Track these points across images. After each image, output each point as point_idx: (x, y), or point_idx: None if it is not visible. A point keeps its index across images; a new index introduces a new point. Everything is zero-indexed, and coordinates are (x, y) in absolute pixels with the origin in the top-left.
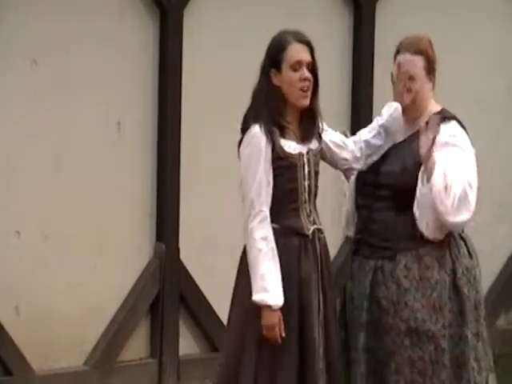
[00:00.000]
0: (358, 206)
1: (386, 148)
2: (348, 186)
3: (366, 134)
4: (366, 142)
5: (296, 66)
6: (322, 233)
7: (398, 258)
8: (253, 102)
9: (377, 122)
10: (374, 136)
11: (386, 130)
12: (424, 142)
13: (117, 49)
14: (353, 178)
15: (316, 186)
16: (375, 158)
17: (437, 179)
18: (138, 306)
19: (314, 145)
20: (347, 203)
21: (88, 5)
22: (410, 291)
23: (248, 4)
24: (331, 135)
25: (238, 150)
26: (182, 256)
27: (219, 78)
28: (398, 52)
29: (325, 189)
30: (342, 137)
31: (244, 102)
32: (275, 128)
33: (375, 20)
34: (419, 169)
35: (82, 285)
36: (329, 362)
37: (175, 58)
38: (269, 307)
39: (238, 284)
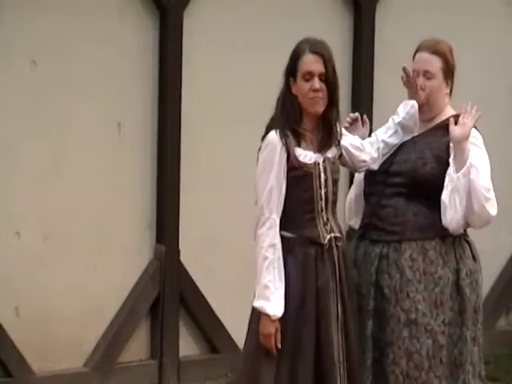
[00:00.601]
0: (367, 194)
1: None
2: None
3: (382, 134)
4: (384, 142)
5: (307, 77)
6: (339, 241)
7: (404, 247)
8: (275, 110)
9: (393, 120)
10: (391, 135)
11: (403, 127)
12: (462, 126)
13: (116, 49)
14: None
15: (334, 194)
16: (389, 154)
17: (482, 178)
18: (138, 308)
19: (331, 153)
20: (351, 192)
21: (87, 5)
22: (413, 282)
23: (248, 4)
24: (350, 139)
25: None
26: (182, 257)
27: (219, 79)
28: (416, 51)
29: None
30: (360, 140)
31: (244, 102)
32: (291, 136)
33: (375, 21)
34: (436, 162)
35: (81, 285)
36: (350, 369)
37: (175, 59)
38: (267, 316)
39: None
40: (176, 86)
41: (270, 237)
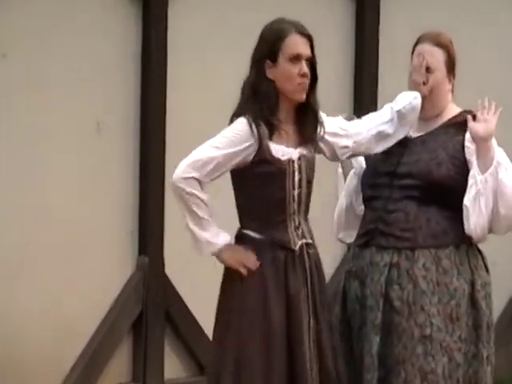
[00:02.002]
0: (368, 199)
1: (397, 138)
2: (344, 181)
3: (375, 119)
4: (376, 129)
5: (295, 60)
6: (311, 248)
7: (417, 254)
8: (242, 97)
9: (391, 108)
10: (385, 123)
11: (401, 118)
12: (484, 123)
13: (95, 42)
14: (352, 172)
15: (308, 196)
16: (385, 145)
17: (511, 177)
18: (118, 325)
19: (307, 149)
20: (342, 201)
21: None
22: (427, 294)
23: None
24: (327, 125)
25: None
26: (168, 270)
27: (207, 72)
28: (417, 43)
29: (327, 197)
30: (341, 122)
31: (234, 99)
32: (264, 127)
33: (380, 8)
34: (451, 163)
35: (57, 302)
36: (323, 380)
37: (159, 51)
38: (223, 248)
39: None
40: (160, 81)
41: (196, 189)
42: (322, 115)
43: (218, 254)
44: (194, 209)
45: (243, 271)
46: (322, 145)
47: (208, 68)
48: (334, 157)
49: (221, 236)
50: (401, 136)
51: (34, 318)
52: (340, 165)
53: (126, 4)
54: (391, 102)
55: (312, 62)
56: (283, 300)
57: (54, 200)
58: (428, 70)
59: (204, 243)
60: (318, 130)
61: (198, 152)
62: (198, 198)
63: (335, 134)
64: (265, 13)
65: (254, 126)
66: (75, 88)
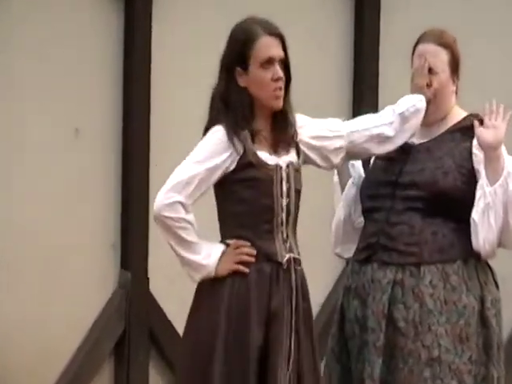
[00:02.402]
0: (368, 210)
1: (398, 142)
2: (341, 191)
3: (373, 120)
4: (375, 128)
5: (267, 64)
6: (299, 264)
7: (423, 271)
8: (212, 109)
9: (392, 110)
10: (386, 124)
11: (403, 120)
12: (493, 129)
13: (74, 42)
14: (350, 182)
15: (297, 207)
16: (386, 148)
17: None
18: (100, 346)
19: (293, 157)
20: (339, 212)
21: None
22: (434, 313)
23: None
24: (309, 130)
25: None
26: (152, 286)
27: (195, 76)
28: (418, 42)
29: (320, 210)
30: (330, 123)
31: None
32: (245, 132)
33: (380, 5)
34: (459, 172)
35: (35, 321)
36: None
37: (143, 53)
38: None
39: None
40: (143, 86)
41: (181, 213)
42: (305, 118)
43: (215, 274)
44: (182, 234)
45: (244, 270)
46: (309, 152)
47: (195, 72)
48: (328, 163)
49: (213, 253)
50: (402, 141)
51: (12, 339)
52: (336, 173)
53: (107, 2)
54: (393, 104)
55: (285, 63)
56: (264, 318)
57: (30, 212)
58: (431, 71)
59: (198, 267)
60: (292, 133)
61: (178, 173)
62: (185, 220)
63: (323, 137)
64: (259, 14)
65: (232, 132)
66: (51, 92)
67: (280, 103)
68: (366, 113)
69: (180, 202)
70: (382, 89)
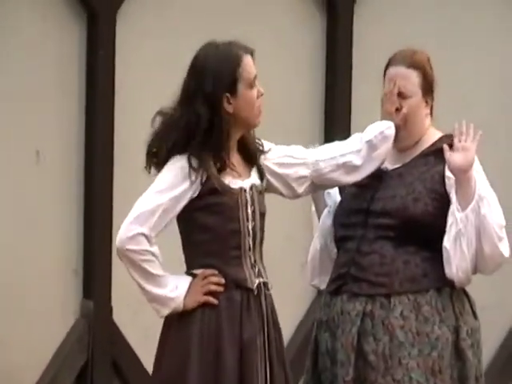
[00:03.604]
0: (341, 239)
1: (367, 171)
2: (319, 219)
3: (339, 149)
4: (341, 157)
5: (253, 82)
6: (268, 289)
7: (393, 302)
8: (168, 138)
9: (360, 138)
10: (353, 152)
11: (371, 148)
12: (463, 152)
13: (35, 60)
14: (326, 211)
15: (262, 231)
16: (354, 178)
17: (495, 212)
18: (60, 379)
19: (255, 179)
20: (315, 242)
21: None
22: (405, 346)
23: (199, 3)
24: (273, 155)
25: None
26: (116, 316)
27: (161, 94)
28: (388, 65)
29: (293, 233)
30: (295, 150)
31: None
32: (209, 158)
33: (353, 23)
34: (429, 197)
35: None
36: None
37: (106, 73)
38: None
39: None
40: (107, 105)
41: (145, 246)
42: (270, 144)
43: (183, 307)
44: (147, 267)
45: (213, 301)
46: (272, 179)
47: (160, 89)
48: (291, 191)
49: (180, 285)
50: (370, 169)
51: None
52: (313, 202)
53: (69, 19)
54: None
55: None
56: (237, 348)
57: None
58: (401, 95)
59: (165, 301)
60: (256, 154)
61: (140, 204)
62: (149, 253)
63: (287, 165)
64: (226, 27)
65: (195, 160)
66: (10, 112)
67: (260, 119)
68: (338, 137)
69: (143, 234)
70: (354, 110)
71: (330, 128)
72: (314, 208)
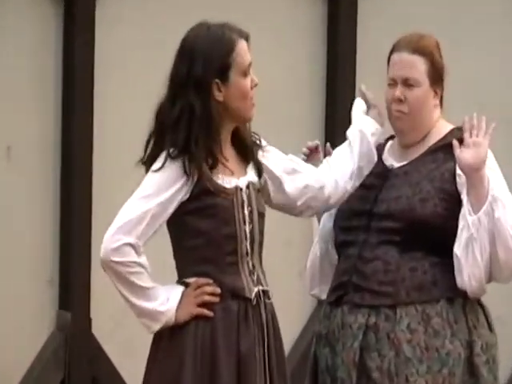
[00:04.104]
0: (341, 244)
1: (368, 171)
2: (320, 224)
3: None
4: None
5: (247, 71)
6: (268, 297)
7: (399, 313)
8: (160, 132)
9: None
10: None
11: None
12: (474, 148)
13: (6, 48)
14: (327, 213)
15: (261, 233)
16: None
17: (510, 214)
18: None
19: (252, 176)
20: (315, 249)
21: None
22: (413, 362)
23: None
24: (275, 158)
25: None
26: (95, 329)
27: (142, 89)
28: (392, 51)
29: (290, 238)
30: (297, 159)
31: None
32: (200, 155)
33: (357, 11)
34: (439, 198)
35: None
36: None
37: (84, 60)
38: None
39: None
40: (86, 98)
41: (132, 257)
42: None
43: (175, 321)
44: (134, 280)
45: (208, 313)
46: (269, 182)
47: (144, 78)
48: (288, 201)
49: (171, 297)
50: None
51: None
52: None
53: (45, 9)
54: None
55: None
56: (234, 362)
57: None
58: (406, 84)
59: (155, 315)
60: (253, 149)
61: (126, 211)
62: (137, 264)
63: (291, 171)
64: (211, 15)
65: (184, 157)
66: None
67: (253, 113)
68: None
69: (130, 244)
70: None
71: (330, 121)
72: None
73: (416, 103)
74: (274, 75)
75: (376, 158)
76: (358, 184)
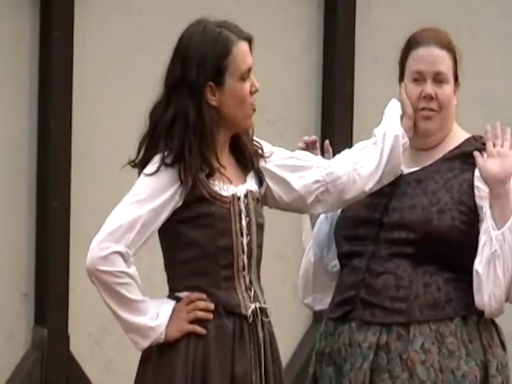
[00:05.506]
0: (345, 255)
1: (387, 182)
2: (310, 228)
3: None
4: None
5: (246, 75)
6: (266, 315)
7: (413, 332)
8: (153, 135)
9: (372, 145)
10: (368, 157)
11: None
12: (501, 159)
13: None
14: (323, 217)
15: (259, 247)
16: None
17: None
18: None
19: (252, 185)
20: (309, 255)
21: None
22: None
23: None
24: (278, 158)
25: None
26: (73, 346)
27: (124, 85)
28: (414, 45)
29: (285, 252)
30: (301, 153)
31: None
32: (196, 160)
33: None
34: (457, 210)
35: None
36: None
37: (62, 57)
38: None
39: None
40: (64, 95)
41: (121, 267)
42: (270, 147)
43: (165, 338)
44: (123, 292)
45: (200, 331)
46: (271, 184)
47: (125, 74)
48: (297, 200)
49: (162, 312)
50: (390, 175)
51: None
52: None
53: (21, 9)
54: (371, 124)
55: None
56: (227, 383)
57: None
58: (436, 79)
59: (144, 331)
60: (249, 161)
61: (116, 217)
62: (126, 274)
63: (290, 167)
64: (194, 9)
65: (178, 162)
66: None
67: (252, 121)
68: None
69: (119, 253)
70: (356, 111)
71: (327, 120)
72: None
73: (447, 101)
74: (270, 68)
75: (399, 173)
76: (374, 190)
